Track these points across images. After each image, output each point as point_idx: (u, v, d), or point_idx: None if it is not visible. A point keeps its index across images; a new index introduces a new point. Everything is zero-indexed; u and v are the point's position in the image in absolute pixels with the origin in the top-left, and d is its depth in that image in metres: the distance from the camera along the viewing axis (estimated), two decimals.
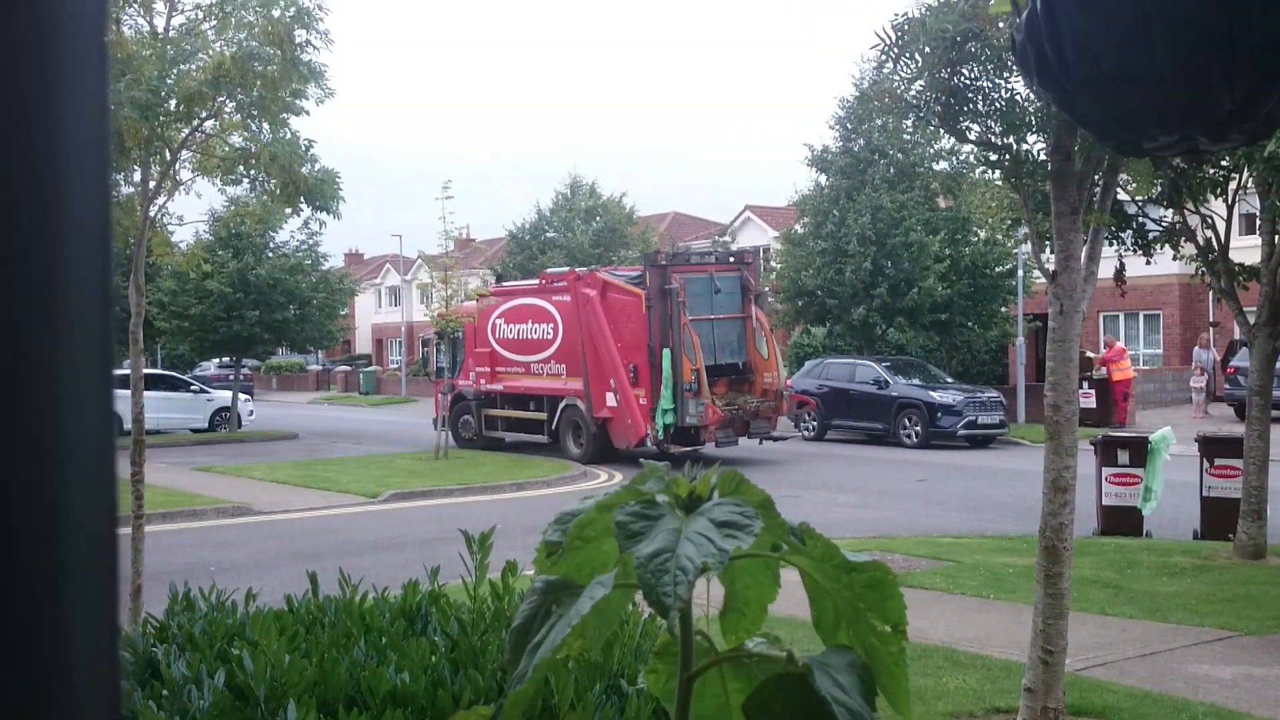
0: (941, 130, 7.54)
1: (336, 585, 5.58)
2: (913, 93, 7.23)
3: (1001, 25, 6.35)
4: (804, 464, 23.94)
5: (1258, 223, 12.75)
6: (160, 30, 8.43)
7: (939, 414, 27.01)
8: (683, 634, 1.43)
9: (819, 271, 31.73)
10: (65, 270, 0.69)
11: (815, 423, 29.39)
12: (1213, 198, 12.77)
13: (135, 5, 8.39)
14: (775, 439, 25.03)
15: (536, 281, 27.53)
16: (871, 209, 31.23)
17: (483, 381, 27.46)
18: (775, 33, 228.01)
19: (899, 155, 32.25)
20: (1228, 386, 29.65)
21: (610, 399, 23.88)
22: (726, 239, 46.86)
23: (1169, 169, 11.36)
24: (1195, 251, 12.94)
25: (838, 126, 32.86)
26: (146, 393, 9.44)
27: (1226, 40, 1.43)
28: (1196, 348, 32.98)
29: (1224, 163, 11.95)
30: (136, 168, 8.58)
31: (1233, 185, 12.64)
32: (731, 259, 25.56)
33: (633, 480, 1.47)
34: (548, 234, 47.62)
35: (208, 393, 35.56)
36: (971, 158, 9.14)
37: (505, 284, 30.03)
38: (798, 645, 1.47)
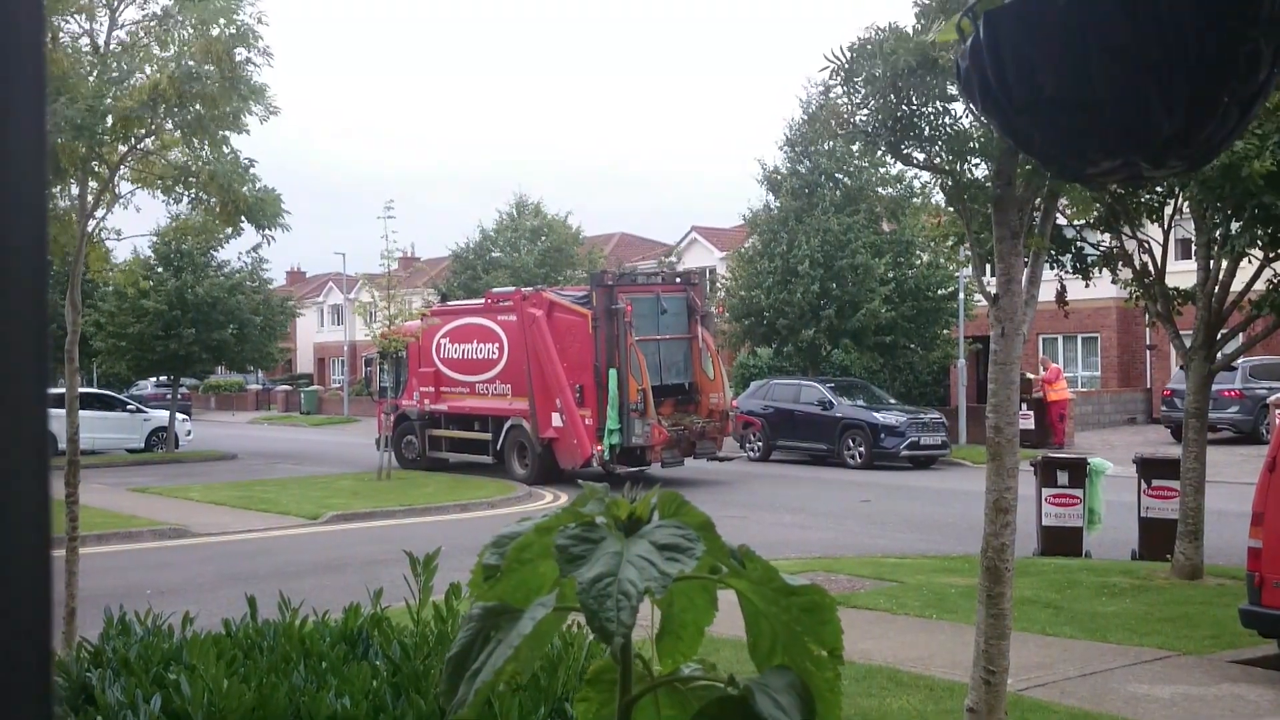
0: (889, 155, 7.62)
1: (276, 608, 5.50)
2: (861, 116, 7.30)
3: (944, 54, 6.42)
4: (749, 484, 24.00)
5: (1193, 248, 13.00)
6: (101, 45, 8.28)
7: (883, 435, 27.23)
8: (622, 658, 1.41)
9: (769, 291, 31.93)
10: None
11: (760, 443, 29.51)
12: (1149, 223, 13.02)
13: (77, 15, 8.23)
14: (721, 459, 25.09)
15: (481, 301, 27.46)
16: (820, 231, 31.51)
17: (427, 401, 27.29)
18: (723, 51, 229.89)
19: (845, 179, 32.58)
20: (1164, 409, 30.14)
21: (556, 419, 23.80)
22: (673, 259, 46.99)
23: (1107, 194, 11.57)
24: (1132, 275, 13.15)
25: (786, 148, 33.17)
26: (82, 412, 9.27)
27: (1164, 66, 1.44)
28: None
29: (1159, 189, 12.19)
30: (74, 184, 8.42)
31: (1168, 210, 12.89)
32: (678, 279, 25.62)
33: (573, 502, 1.45)
34: (493, 253, 47.46)
35: (144, 412, 35.03)
36: (916, 183, 9.27)
37: (450, 303, 29.88)
38: (736, 666, 1.46)
